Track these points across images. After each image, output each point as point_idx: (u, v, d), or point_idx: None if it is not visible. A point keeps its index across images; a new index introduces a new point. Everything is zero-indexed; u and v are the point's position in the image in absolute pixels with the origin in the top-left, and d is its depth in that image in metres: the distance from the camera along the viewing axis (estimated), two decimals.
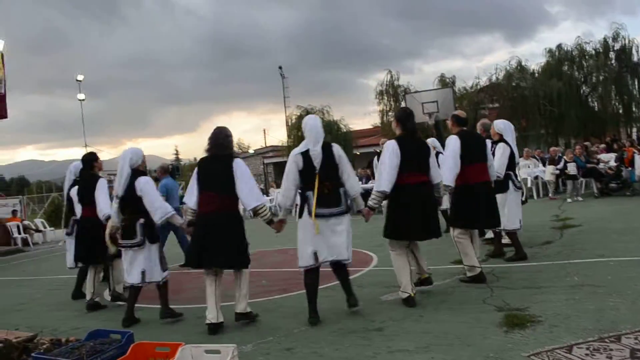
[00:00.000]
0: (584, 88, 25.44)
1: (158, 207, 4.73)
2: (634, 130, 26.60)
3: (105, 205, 5.43)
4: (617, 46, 23.84)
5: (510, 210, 5.99)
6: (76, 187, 6.14)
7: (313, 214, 4.25)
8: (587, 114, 24.79)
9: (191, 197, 4.50)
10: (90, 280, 5.84)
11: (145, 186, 4.74)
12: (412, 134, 4.77)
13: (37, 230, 16.91)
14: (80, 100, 25.78)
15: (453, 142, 5.23)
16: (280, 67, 35.45)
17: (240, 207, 4.59)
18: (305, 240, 4.35)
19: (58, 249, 14.45)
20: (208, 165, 4.50)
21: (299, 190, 4.46)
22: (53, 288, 7.63)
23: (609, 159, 12.25)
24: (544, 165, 13.40)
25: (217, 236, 4.29)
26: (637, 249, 5.69)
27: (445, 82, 24.76)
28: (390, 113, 27.06)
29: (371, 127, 33.89)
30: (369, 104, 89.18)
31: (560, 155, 13.07)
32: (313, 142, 4.38)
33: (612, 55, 24.04)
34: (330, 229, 4.31)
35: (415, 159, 4.63)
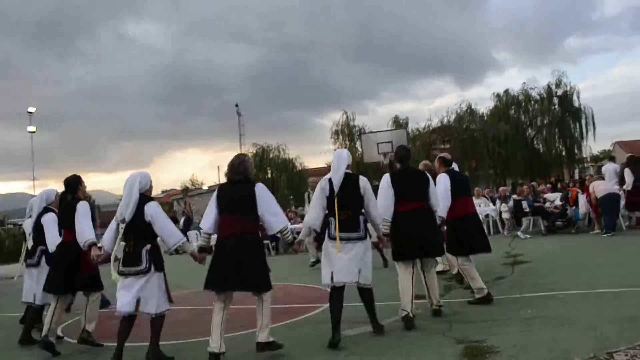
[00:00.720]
0: (529, 131, 26.78)
1: (172, 233, 4.58)
2: (576, 171, 28.05)
3: (90, 231, 5.10)
4: (559, 92, 25.38)
5: None
6: (50, 214, 5.72)
7: (337, 235, 4.57)
8: (533, 156, 26.04)
9: (208, 222, 4.57)
10: (51, 313, 5.21)
11: (157, 211, 4.54)
12: (407, 168, 5.43)
13: None
14: (30, 132, 25.14)
15: (444, 180, 5.72)
16: (236, 105, 35.47)
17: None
18: (325, 261, 4.73)
19: (3, 285, 13.78)
20: (229, 190, 4.63)
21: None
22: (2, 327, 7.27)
23: (554, 198, 12.83)
24: (494, 204, 13.89)
25: (242, 259, 4.34)
26: (583, 283, 5.99)
27: (399, 123, 25.55)
28: None
29: (326, 165, 34.28)
30: (324, 142, 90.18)
31: (508, 194, 13.62)
32: (335, 170, 4.79)
33: (555, 100, 25.50)
34: (346, 252, 4.59)
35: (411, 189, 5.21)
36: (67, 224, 5.33)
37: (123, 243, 4.58)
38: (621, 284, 5.72)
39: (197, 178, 53.06)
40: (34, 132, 25.62)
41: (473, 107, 26.32)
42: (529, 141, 26.59)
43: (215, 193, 4.70)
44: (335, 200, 4.66)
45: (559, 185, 19.05)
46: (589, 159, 29.99)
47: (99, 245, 5.07)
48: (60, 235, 5.46)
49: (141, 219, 4.48)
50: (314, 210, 4.83)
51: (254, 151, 30.51)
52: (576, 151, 26.14)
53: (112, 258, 4.60)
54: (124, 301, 4.39)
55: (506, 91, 26.53)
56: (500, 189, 15.02)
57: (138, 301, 4.39)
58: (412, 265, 5.13)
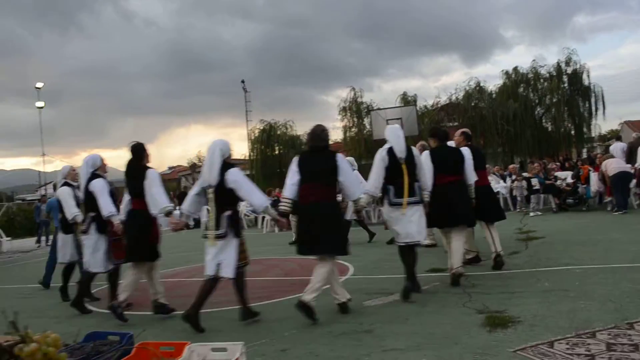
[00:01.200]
0: (538, 109, 26.59)
1: (259, 197, 4.76)
2: (584, 150, 27.99)
3: (165, 198, 5.10)
4: (569, 70, 25.11)
5: None
6: (99, 180, 5.66)
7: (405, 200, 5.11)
8: (541, 134, 25.90)
9: (291, 188, 4.76)
10: (128, 281, 5.27)
11: (239, 177, 4.66)
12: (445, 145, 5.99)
13: None
14: (38, 108, 25.18)
15: (468, 154, 6.00)
16: (242, 81, 35.23)
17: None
18: (394, 224, 5.25)
19: (17, 258, 14.06)
20: (310, 158, 4.86)
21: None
22: (23, 296, 7.48)
23: (565, 176, 12.88)
24: (504, 181, 13.96)
25: (325, 225, 4.63)
26: (599, 258, 6.09)
27: (407, 100, 25.46)
28: (353, 129, 27.61)
29: (331, 142, 34.24)
30: (329, 120, 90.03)
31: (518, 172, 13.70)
32: (397, 142, 5.26)
33: (564, 78, 25.25)
34: (411, 215, 5.17)
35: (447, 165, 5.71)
36: (136, 192, 5.27)
37: (208, 208, 4.79)
38: (635, 260, 5.81)
39: (203, 154, 53.12)
40: (42, 107, 25.68)
41: (482, 84, 26.16)
42: (538, 119, 26.43)
43: (296, 160, 4.86)
44: (404, 167, 5.14)
45: (567, 164, 19.10)
46: (596, 138, 29.91)
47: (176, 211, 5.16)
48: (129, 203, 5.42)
49: (223, 185, 4.60)
50: (375, 178, 5.23)
51: (262, 127, 30.50)
52: (585, 130, 25.98)
53: (203, 223, 4.90)
54: (207, 264, 4.64)
55: (515, 69, 26.28)
56: (510, 166, 15.07)
57: (219, 265, 4.58)
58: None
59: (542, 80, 25.91)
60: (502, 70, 26.59)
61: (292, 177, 4.78)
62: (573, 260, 6.09)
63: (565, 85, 25.39)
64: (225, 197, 4.64)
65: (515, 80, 26.16)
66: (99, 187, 5.63)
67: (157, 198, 5.07)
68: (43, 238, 18.18)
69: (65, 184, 6.20)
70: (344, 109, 27.49)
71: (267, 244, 11.79)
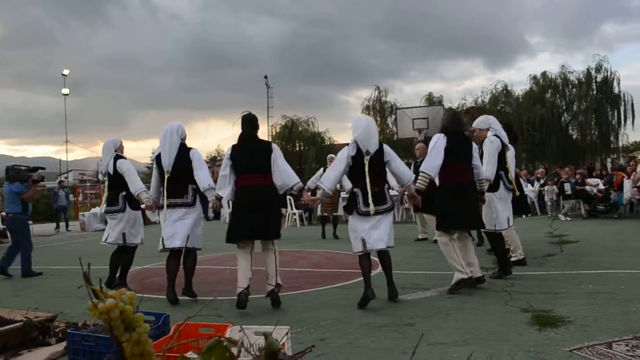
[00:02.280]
0: (565, 116, 26.15)
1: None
2: (609, 160, 27.43)
3: (294, 175, 4.99)
4: (599, 77, 24.63)
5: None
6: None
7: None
8: (567, 142, 25.48)
9: (434, 168, 4.96)
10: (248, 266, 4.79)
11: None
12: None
13: None
14: (64, 94, 25.38)
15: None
16: (265, 77, 35.15)
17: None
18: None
19: (39, 242, 14.10)
20: (459, 140, 5.09)
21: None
22: (45, 278, 7.44)
23: (596, 183, 12.58)
24: (532, 185, 13.69)
25: (471, 203, 5.09)
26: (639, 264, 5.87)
27: (433, 101, 25.22)
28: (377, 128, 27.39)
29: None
30: (347, 119, 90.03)
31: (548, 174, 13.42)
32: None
33: (593, 85, 24.79)
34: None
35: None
36: (252, 165, 4.90)
37: None
38: None
39: (223, 149, 53.32)
40: (67, 94, 25.85)
41: (509, 88, 25.81)
42: (564, 126, 26.01)
43: (444, 141, 5.00)
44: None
45: (594, 174, 18.70)
46: (620, 150, 29.29)
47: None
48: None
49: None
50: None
51: (284, 123, 30.42)
52: (612, 139, 25.49)
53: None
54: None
55: (544, 74, 25.90)
56: (539, 170, 14.76)
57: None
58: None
59: (570, 87, 25.49)
60: (530, 75, 26.26)
61: (439, 156, 4.99)
62: (613, 265, 5.87)
63: (594, 92, 24.93)
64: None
65: (543, 86, 25.79)
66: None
67: (290, 173, 4.91)
68: (62, 224, 18.24)
69: (119, 156, 5.98)
70: (367, 108, 27.34)
71: (292, 237, 11.65)
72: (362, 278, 4.78)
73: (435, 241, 8.58)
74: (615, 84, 24.42)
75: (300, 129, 30.59)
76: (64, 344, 3.73)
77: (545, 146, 24.34)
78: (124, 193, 5.82)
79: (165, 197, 5.20)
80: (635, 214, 11.48)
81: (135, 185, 5.73)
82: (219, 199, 4.97)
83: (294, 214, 14.78)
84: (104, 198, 6.10)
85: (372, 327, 3.96)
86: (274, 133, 30.70)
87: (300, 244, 9.94)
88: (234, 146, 4.95)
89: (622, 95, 24.43)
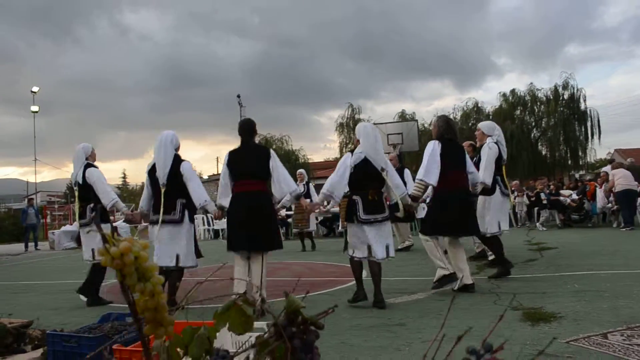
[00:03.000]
0: (534, 132, 26.70)
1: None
2: (577, 175, 28.04)
3: (293, 181, 4.94)
4: (566, 94, 25.28)
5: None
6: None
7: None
8: (537, 157, 25.96)
9: (433, 175, 4.94)
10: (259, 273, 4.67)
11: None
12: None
13: None
14: (33, 112, 24.84)
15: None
16: (238, 96, 35.00)
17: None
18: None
19: (5, 261, 13.62)
20: (453, 147, 5.15)
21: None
22: (15, 293, 7.13)
23: (569, 194, 12.80)
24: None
25: (463, 210, 5.02)
26: (621, 265, 5.93)
27: (406, 119, 25.42)
28: (349, 145, 27.54)
29: (324, 160, 34.24)
30: (321, 140, 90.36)
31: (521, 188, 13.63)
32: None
33: (561, 102, 25.43)
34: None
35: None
36: (252, 172, 4.83)
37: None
38: None
39: (196, 168, 52.97)
40: (36, 111, 25.32)
41: (479, 105, 26.28)
42: (534, 142, 26.56)
43: (438, 149, 5.05)
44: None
45: (564, 188, 19.06)
46: (586, 167, 29.98)
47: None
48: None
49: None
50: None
51: (257, 141, 30.28)
52: (580, 154, 26.10)
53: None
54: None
55: (512, 91, 26.48)
56: (514, 182, 14.96)
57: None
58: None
59: (538, 104, 26.09)
60: (500, 92, 26.78)
61: (435, 164, 5.04)
62: (595, 267, 5.92)
63: (562, 108, 25.56)
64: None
65: (512, 103, 26.34)
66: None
67: (288, 179, 4.85)
68: (31, 244, 17.70)
69: (89, 165, 5.69)
70: (341, 125, 27.50)
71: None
72: (346, 285, 4.72)
73: (401, 249, 8.75)
74: (581, 100, 25.11)
75: (274, 146, 30.50)
76: (40, 350, 3.54)
77: (516, 161, 24.73)
78: (91, 205, 5.54)
79: (161, 213, 4.91)
80: (608, 223, 11.69)
81: (108, 195, 5.45)
82: (221, 209, 4.81)
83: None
84: (76, 210, 5.77)
85: (363, 328, 3.87)
86: None
87: (278, 257, 9.79)
88: (230, 152, 4.84)
89: (588, 112, 25.11)
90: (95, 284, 5.58)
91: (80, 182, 5.58)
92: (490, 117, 26.54)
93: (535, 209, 12.08)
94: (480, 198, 5.84)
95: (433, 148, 5.06)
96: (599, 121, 25.04)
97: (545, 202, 11.77)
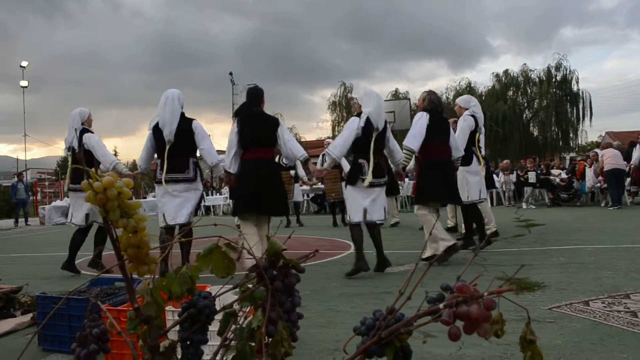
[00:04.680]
0: (526, 113, 26.76)
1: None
2: (567, 157, 28.21)
3: (300, 147, 4.92)
4: (559, 76, 25.30)
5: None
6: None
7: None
8: (528, 139, 26.07)
9: (417, 142, 5.02)
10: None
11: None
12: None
13: None
14: (22, 87, 24.54)
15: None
16: (230, 73, 34.75)
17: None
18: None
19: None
20: (438, 119, 5.18)
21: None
22: (5, 264, 7.14)
23: (558, 173, 12.90)
24: (497, 176, 13.94)
25: (450, 178, 5.18)
26: (608, 241, 6.01)
27: (399, 97, 25.39)
28: (342, 124, 27.51)
29: (317, 139, 34.15)
30: (314, 119, 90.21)
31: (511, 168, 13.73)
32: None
33: (554, 83, 25.45)
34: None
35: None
36: (259, 139, 4.82)
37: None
38: None
39: None
40: (26, 86, 25.01)
41: (472, 85, 26.26)
42: (525, 123, 26.64)
43: (426, 120, 5.08)
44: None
45: (553, 168, 19.21)
46: (577, 149, 30.16)
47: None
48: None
49: None
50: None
51: None
52: (571, 135, 26.25)
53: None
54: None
55: (505, 72, 26.54)
56: (504, 161, 15.04)
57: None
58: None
59: (531, 85, 26.12)
60: (493, 73, 26.81)
61: (421, 133, 5.07)
62: (581, 242, 6.00)
63: (554, 90, 25.60)
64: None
65: (505, 84, 26.36)
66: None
67: (296, 145, 4.89)
68: (22, 219, 17.66)
69: (86, 130, 5.59)
70: (333, 104, 27.44)
71: None
72: (335, 257, 4.79)
73: (393, 224, 8.83)
74: (574, 82, 25.19)
75: None
76: (30, 315, 3.57)
77: (509, 142, 24.87)
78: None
79: (164, 171, 4.77)
80: (597, 202, 11.81)
81: (108, 158, 5.46)
82: (230, 174, 4.78)
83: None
84: (67, 175, 5.70)
85: (350, 296, 3.93)
86: None
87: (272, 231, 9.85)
88: (240, 120, 4.80)
89: (580, 93, 25.20)
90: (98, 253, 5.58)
91: (76, 147, 5.49)
92: (483, 97, 26.56)
93: (525, 188, 12.16)
94: (460, 169, 5.90)
95: (421, 118, 5.12)
96: (590, 103, 25.18)
97: (532, 180, 11.84)
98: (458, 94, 25.89)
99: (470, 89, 26.13)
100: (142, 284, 1.16)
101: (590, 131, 39.91)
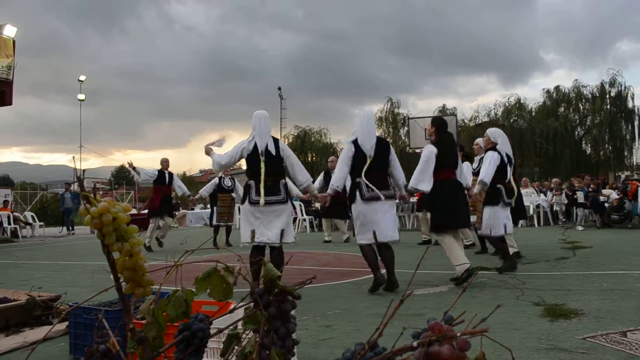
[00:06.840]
0: (578, 130, 25.94)
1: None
2: (622, 175, 27.09)
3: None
4: (613, 92, 24.45)
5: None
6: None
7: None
8: (580, 156, 25.23)
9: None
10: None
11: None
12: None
13: (27, 223, 16.54)
14: (80, 100, 25.61)
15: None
16: (279, 88, 35.33)
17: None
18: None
19: (48, 242, 14.17)
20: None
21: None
22: (52, 271, 7.43)
23: (609, 193, 12.40)
24: (545, 195, 13.53)
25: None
26: None
27: (446, 114, 25.09)
28: (388, 139, 27.38)
29: None
30: None
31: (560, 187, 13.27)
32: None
33: (607, 100, 24.58)
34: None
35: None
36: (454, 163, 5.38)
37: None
38: None
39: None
40: (83, 99, 26.07)
41: (522, 101, 25.69)
42: (577, 140, 25.79)
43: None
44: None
45: (607, 187, 18.48)
46: (634, 167, 28.92)
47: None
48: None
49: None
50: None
51: (296, 133, 30.48)
52: (626, 154, 25.20)
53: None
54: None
55: (557, 88, 25.81)
56: (554, 180, 14.57)
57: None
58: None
59: (584, 101, 25.31)
60: (543, 89, 26.13)
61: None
62: (628, 267, 5.74)
63: (608, 106, 24.71)
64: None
65: (556, 100, 25.64)
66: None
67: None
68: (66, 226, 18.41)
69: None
70: (380, 119, 27.31)
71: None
72: (370, 275, 4.87)
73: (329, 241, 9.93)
74: (629, 98, 24.23)
75: (312, 139, 30.63)
76: (66, 323, 3.70)
77: (559, 160, 24.11)
78: (284, 181, 5.04)
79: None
80: None
81: (305, 174, 5.31)
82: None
83: (304, 220, 14.77)
84: (262, 180, 4.91)
85: (380, 317, 3.86)
86: (286, 143, 30.75)
87: (308, 247, 9.89)
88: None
89: (636, 110, 24.20)
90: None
91: (274, 152, 5.01)
92: (533, 113, 25.95)
93: (574, 208, 11.74)
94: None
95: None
96: None
97: (582, 201, 11.41)
98: (507, 110, 25.44)
99: (519, 105, 25.59)
100: (144, 304, 1.20)
101: None
